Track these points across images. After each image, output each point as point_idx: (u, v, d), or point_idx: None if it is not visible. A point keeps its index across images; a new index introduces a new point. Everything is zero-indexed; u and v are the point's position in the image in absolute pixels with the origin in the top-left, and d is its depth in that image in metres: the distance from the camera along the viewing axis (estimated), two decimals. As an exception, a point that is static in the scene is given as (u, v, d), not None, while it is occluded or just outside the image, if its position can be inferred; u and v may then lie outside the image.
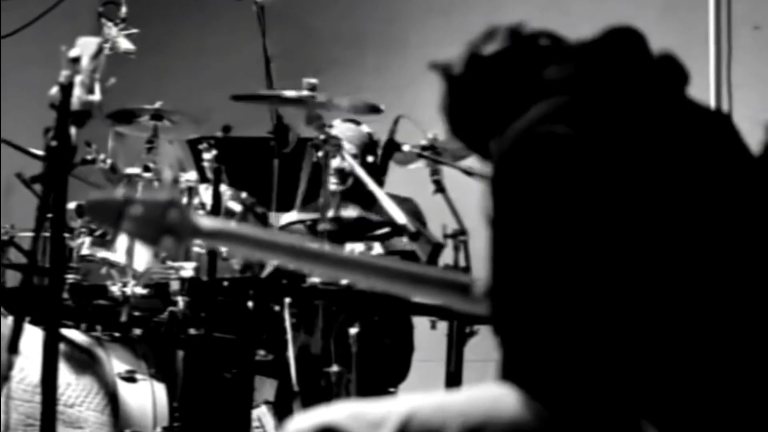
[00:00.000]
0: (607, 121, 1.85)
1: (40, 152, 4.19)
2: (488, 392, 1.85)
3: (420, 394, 1.92)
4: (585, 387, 1.74)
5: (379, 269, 2.19)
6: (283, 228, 4.36)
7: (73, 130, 2.30)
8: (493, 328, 1.82)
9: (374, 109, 4.06)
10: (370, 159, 4.64)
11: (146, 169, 4.12)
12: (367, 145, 4.69)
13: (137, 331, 4.06)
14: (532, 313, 1.74)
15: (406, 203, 4.54)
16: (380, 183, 4.24)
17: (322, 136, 3.91)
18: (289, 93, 3.86)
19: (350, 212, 4.56)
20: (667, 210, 1.80)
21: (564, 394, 1.74)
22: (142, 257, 4.01)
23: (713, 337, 1.76)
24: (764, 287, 1.81)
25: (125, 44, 4.00)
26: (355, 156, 4.53)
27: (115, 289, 3.88)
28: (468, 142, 2.13)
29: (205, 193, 4.10)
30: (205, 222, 2.09)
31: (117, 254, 4.05)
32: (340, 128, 4.54)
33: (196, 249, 4.05)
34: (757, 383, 1.76)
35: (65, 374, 3.68)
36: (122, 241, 4.07)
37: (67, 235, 4.00)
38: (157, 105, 4.29)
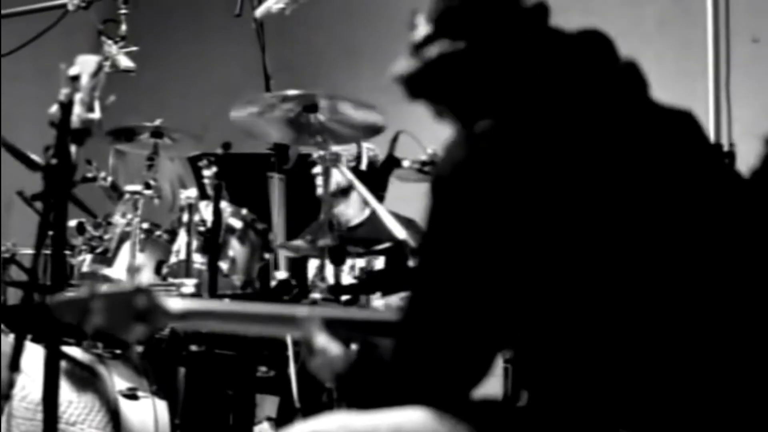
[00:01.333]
0: (561, 130, 1.86)
1: (40, 160, 4.20)
2: (477, 407, 1.86)
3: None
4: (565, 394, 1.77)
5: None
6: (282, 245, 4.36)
7: (73, 148, 2.31)
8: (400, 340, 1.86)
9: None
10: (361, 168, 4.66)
11: (147, 186, 4.13)
12: (355, 157, 4.73)
13: (138, 348, 4.05)
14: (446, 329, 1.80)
15: (409, 224, 4.55)
16: (380, 199, 4.25)
17: (321, 152, 3.92)
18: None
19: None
20: (618, 217, 1.82)
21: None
22: (143, 274, 4.01)
23: (684, 341, 1.78)
24: (726, 285, 1.83)
25: (125, 62, 4.01)
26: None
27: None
28: (414, 89, 2.12)
29: (206, 210, 4.10)
30: (175, 304, 2.06)
31: (118, 271, 4.06)
32: None
33: (196, 266, 4.06)
34: (730, 388, 1.78)
35: (67, 392, 3.68)
36: (123, 257, 4.08)
37: (68, 252, 4.01)
38: (157, 122, 4.30)
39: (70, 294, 2.08)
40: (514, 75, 1.93)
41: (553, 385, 1.81)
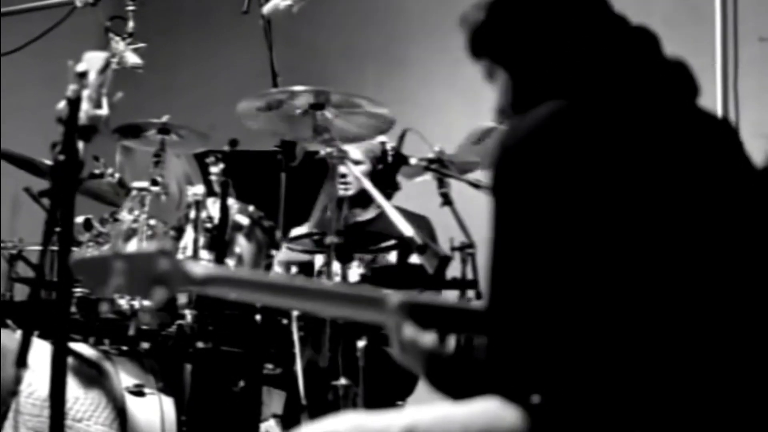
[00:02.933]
0: (611, 126, 1.85)
1: (47, 161, 4.21)
2: (490, 406, 1.85)
3: (424, 406, 1.92)
4: (577, 395, 1.75)
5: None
6: (292, 240, 4.36)
7: (80, 145, 2.31)
8: (487, 334, 1.82)
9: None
10: (380, 167, 4.65)
11: (154, 182, 4.13)
12: (378, 157, 4.71)
13: (145, 345, 4.06)
14: (524, 321, 1.75)
15: (420, 220, 4.55)
16: (389, 196, 4.25)
17: (329, 149, 3.92)
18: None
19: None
20: (663, 215, 1.80)
21: (557, 401, 1.75)
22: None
23: (707, 349, 1.77)
24: (758, 293, 1.82)
25: (132, 59, 4.01)
26: (361, 163, 4.56)
27: (123, 303, 3.88)
28: (479, 44, 2.10)
29: (213, 207, 4.10)
30: (198, 269, 2.01)
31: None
32: None
33: (203, 262, 4.06)
34: (748, 392, 1.77)
35: (73, 388, 3.69)
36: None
37: (74, 248, 4.01)
38: (164, 119, 4.30)
39: (91, 253, 2.03)
40: (578, 49, 1.93)
41: (570, 383, 1.80)
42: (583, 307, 1.76)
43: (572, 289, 1.76)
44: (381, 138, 4.61)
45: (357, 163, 4.72)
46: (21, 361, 2.35)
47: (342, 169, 4.10)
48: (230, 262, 4.09)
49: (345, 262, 3.87)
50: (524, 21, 2.00)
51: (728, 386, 1.76)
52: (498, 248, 1.82)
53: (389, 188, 4.47)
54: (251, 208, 4.23)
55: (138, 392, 3.90)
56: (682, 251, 1.79)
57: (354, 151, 4.63)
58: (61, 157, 2.29)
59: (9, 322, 3.85)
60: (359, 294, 2.06)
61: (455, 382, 1.94)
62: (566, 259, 1.76)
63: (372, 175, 4.65)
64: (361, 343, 3.87)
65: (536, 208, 1.78)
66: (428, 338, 1.96)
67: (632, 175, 1.81)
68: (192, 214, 4.11)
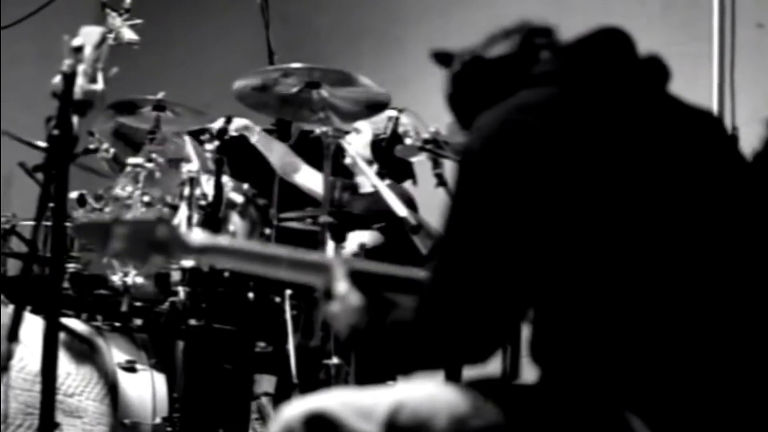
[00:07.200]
0: (583, 113, 1.87)
1: (41, 143, 4.20)
2: (478, 384, 1.87)
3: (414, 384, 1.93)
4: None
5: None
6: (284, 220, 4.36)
7: (75, 120, 2.30)
8: (423, 307, 1.86)
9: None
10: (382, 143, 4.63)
11: (148, 159, 4.13)
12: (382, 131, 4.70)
13: (137, 322, 4.06)
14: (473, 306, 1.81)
15: (395, 188, 4.55)
16: (382, 176, 4.24)
17: (325, 128, 3.91)
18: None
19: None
20: (640, 202, 1.83)
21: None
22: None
23: (697, 329, 1.79)
24: (742, 275, 1.85)
25: (129, 34, 4.01)
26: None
27: (116, 279, 3.88)
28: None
29: (207, 184, 4.10)
30: (195, 238, 2.08)
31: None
32: None
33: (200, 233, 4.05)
34: (740, 373, 1.78)
35: (65, 364, 3.69)
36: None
37: (68, 224, 4.01)
38: (160, 96, 4.30)
39: (93, 217, 2.10)
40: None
41: (567, 359, 1.82)
42: (555, 290, 1.81)
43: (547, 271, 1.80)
44: (390, 113, 4.60)
45: (358, 132, 4.70)
46: (12, 336, 2.34)
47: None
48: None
49: (339, 242, 3.87)
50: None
51: (713, 366, 1.78)
52: (450, 230, 1.87)
53: (384, 168, 4.47)
54: (245, 186, 4.23)
55: (130, 368, 3.90)
56: (657, 234, 1.81)
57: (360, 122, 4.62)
58: (56, 132, 2.29)
59: (1, 296, 3.84)
60: (302, 258, 2.12)
61: (373, 346, 2.01)
62: (537, 241, 1.80)
63: (372, 147, 4.64)
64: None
65: (504, 191, 1.82)
66: (357, 298, 2.03)
67: (602, 158, 1.84)
68: (186, 191, 4.11)
